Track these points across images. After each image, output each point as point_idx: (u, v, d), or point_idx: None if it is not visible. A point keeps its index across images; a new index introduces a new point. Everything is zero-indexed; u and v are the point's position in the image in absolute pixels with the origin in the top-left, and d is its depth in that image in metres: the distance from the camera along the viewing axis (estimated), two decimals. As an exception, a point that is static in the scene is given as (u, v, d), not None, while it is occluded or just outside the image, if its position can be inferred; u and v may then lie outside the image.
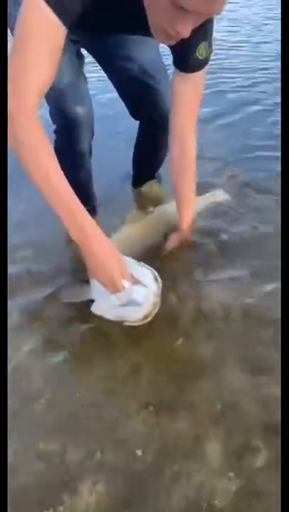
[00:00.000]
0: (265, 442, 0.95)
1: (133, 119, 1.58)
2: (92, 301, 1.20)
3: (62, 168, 1.28)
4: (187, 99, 1.22)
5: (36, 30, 0.91)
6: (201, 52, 1.13)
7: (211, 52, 1.16)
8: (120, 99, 1.54)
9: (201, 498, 0.87)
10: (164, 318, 1.20)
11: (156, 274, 1.15)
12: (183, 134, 1.28)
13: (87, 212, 1.04)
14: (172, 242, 1.41)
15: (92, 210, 1.66)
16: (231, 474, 0.90)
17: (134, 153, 1.73)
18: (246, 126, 2.33)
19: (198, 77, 1.20)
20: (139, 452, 0.94)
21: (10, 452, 0.93)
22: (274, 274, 1.29)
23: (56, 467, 0.93)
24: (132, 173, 1.81)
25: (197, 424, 0.99)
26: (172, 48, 1.14)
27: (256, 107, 2.54)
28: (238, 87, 2.84)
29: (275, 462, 0.91)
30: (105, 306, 1.15)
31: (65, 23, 0.91)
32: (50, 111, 1.39)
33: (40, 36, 0.91)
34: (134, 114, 1.56)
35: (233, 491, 0.88)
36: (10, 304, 1.27)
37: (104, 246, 1.04)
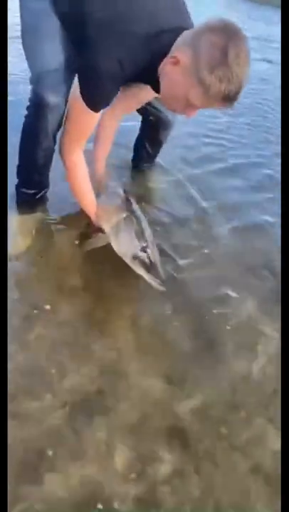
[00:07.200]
0: (171, 453, 1.02)
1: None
2: None
3: (25, 146, 1.54)
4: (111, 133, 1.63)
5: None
6: None
7: None
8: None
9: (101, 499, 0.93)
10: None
11: None
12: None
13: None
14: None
15: (41, 198, 1.65)
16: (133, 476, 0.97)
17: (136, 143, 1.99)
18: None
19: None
20: (49, 452, 0.99)
21: None
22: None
23: None
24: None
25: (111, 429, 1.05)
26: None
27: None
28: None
29: (178, 473, 0.99)
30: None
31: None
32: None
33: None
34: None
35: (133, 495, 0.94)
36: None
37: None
